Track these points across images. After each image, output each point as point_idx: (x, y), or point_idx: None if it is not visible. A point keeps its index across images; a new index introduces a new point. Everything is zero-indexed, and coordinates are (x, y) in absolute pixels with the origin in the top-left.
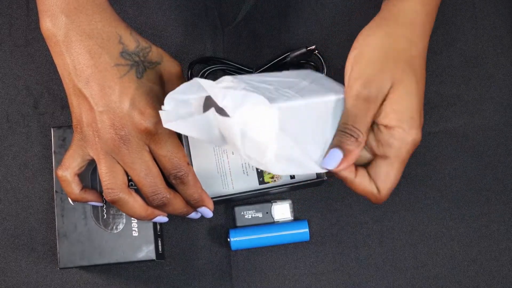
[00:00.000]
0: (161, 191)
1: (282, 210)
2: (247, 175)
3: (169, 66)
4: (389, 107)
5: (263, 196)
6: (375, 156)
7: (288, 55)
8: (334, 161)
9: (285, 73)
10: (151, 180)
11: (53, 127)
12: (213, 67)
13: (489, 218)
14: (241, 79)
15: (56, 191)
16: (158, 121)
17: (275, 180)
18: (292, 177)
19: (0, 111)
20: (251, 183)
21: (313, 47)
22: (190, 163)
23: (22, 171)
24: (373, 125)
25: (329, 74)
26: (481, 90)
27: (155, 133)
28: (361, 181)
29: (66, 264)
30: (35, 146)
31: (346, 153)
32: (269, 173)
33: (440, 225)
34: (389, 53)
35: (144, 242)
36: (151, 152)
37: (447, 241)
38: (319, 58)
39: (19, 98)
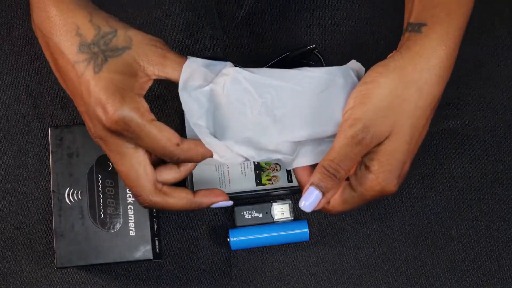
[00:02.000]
0: (142, 194)
1: (282, 210)
2: (245, 175)
3: (142, 49)
4: (376, 154)
5: (262, 197)
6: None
7: (288, 54)
8: (313, 203)
9: (294, 73)
10: (130, 183)
11: (50, 127)
12: None
13: (489, 218)
14: (241, 79)
15: (53, 191)
16: (122, 115)
17: (272, 183)
18: (290, 180)
19: (0, 111)
20: (248, 185)
21: (313, 46)
22: (180, 140)
23: (22, 171)
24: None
25: None
26: (481, 90)
27: (127, 128)
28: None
29: (63, 263)
30: (35, 146)
31: (325, 194)
32: (266, 175)
33: (440, 225)
34: (395, 101)
35: (141, 242)
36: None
37: (447, 241)
38: (319, 58)
39: (18, 98)
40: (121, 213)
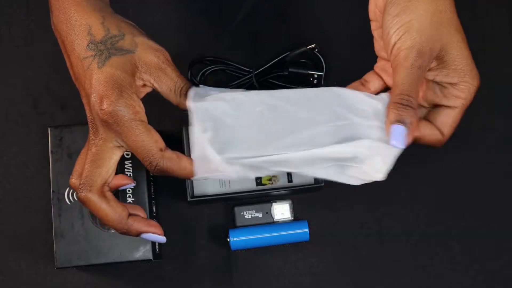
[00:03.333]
0: (87, 182)
1: (282, 210)
2: None
3: (144, 56)
4: (447, 68)
5: (262, 197)
6: (434, 106)
7: (288, 54)
8: (401, 138)
9: (303, 96)
10: (88, 168)
11: (50, 127)
12: (213, 67)
13: (489, 218)
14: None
15: (53, 191)
16: (116, 109)
17: (272, 183)
18: (290, 180)
19: (0, 111)
20: (248, 184)
21: (313, 45)
22: (165, 147)
23: (22, 171)
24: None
25: (328, 73)
26: (481, 90)
27: (117, 122)
28: (427, 133)
29: (63, 264)
30: (35, 146)
31: (409, 127)
32: (266, 175)
33: (440, 225)
34: (434, 17)
35: (141, 242)
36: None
37: (447, 241)
38: (319, 57)
39: (18, 98)
40: None
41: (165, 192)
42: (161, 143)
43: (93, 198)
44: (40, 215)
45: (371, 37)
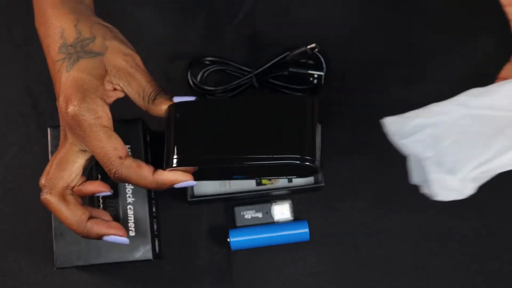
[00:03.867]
0: (46, 187)
1: (282, 210)
2: None
3: (112, 59)
4: None
5: (262, 197)
6: None
7: (288, 54)
8: None
9: None
10: (50, 171)
11: (49, 127)
12: (213, 67)
13: (489, 218)
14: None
15: None
16: (78, 113)
17: (272, 183)
18: (290, 181)
19: None
20: (248, 185)
21: (313, 45)
22: (125, 155)
23: (22, 171)
24: None
25: (329, 73)
26: None
27: (79, 126)
28: None
29: (63, 264)
30: (35, 146)
31: None
32: None
33: (440, 225)
34: None
35: (141, 242)
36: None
37: (447, 241)
38: (319, 57)
39: (18, 98)
40: (121, 213)
41: (165, 192)
42: (122, 151)
43: (53, 200)
44: (40, 215)
45: (371, 37)
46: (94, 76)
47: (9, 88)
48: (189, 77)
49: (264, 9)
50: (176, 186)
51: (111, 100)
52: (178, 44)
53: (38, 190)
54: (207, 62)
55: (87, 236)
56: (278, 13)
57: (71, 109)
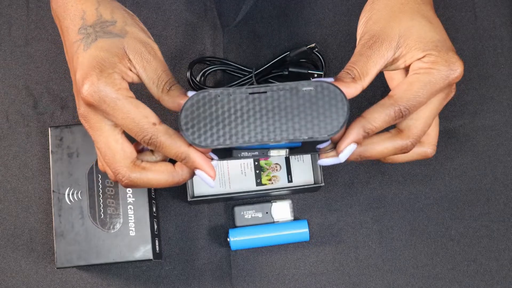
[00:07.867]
0: (120, 170)
1: (282, 210)
2: (245, 175)
3: (132, 43)
4: (412, 48)
5: (262, 197)
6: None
7: (288, 54)
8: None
9: None
10: (109, 159)
11: (50, 127)
12: (213, 67)
13: (489, 218)
14: None
15: (53, 191)
16: (98, 89)
17: (272, 183)
18: (290, 180)
19: (0, 111)
20: (248, 184)
21: (313, 45)
22: (158, 121)
23: (22, 171)
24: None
25: (329, 73)
26: (481, 90)
27: (101, 102)
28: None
29: (64, 263)
30: (35, 146)
31: (339, 83)
32: (266, 175)
33: (440, 225)
34: (394, 8)
35: (141, 241)
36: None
37: (447, 241)
38: (319, 57)
39: (19, 98)
40: (121, 213)
41: (165, 192)
42: (153, 117)
43: (134, 178)
44: (40, 215)
45: None
46: (112, 54)
47: (9, 88)
48: (189, 77)
49: (264, 10)
50: (197, 172)
51: (127, 78)
52: (178, 44)
53: (38, 190)
54: (207, 62)
55: (184, 181)
56: (278, 13)
57: (88, 86)
